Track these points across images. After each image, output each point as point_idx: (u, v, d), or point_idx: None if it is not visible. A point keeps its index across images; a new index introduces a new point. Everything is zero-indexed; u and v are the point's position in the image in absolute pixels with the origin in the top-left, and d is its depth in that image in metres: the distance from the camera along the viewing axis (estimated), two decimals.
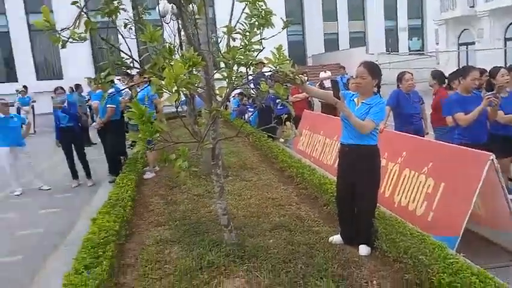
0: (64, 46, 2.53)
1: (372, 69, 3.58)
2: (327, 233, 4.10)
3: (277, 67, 3.00)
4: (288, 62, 3.02)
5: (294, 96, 9.53)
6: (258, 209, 4.96)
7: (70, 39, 2.50)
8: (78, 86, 13.86)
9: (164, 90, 2.78)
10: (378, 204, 3.93)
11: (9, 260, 4.76)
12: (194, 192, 5.80)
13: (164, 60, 2.57)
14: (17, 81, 20.80)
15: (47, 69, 22.91)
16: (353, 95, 3.74)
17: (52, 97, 8.18)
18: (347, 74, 13.36)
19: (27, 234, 5.57)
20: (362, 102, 3.61)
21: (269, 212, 4.84)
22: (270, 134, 6.06)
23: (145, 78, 5.88)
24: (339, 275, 3.30)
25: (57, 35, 2.46)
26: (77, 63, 20.29)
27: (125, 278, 3.56)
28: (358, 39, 32.12)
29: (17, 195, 7.45)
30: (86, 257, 3.50)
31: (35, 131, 14.51)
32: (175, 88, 2.33)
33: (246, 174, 6.57)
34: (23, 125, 7.76)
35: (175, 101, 2.32)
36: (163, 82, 2.42)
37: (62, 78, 20.76)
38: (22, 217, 6.35)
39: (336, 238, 3.92)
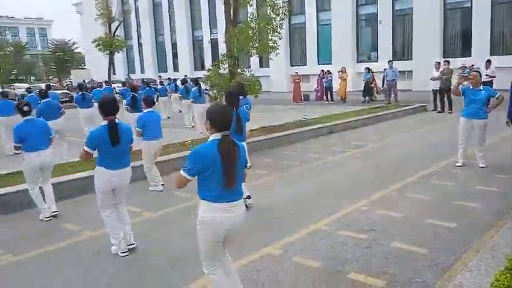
0: None
1: None
2: None
3: None
4: None
5: None
6: None
7: None
8: None
9: None
10: None
11: (444, 225, 5.16)
12: None
13: None
14: (470, 56, 21.01)
15: (503, 43, 21.76)
16: None
17: None
18: None
19: (463, 205, 5.84)
20: None
21: None
22: None
23: None
24: None
25: None
26: None
27: None
28: None
29: (458, 166, 7.71)
30: None
31: None
32: None
33: None
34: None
35: None
36: None
37: None
38: (460, 188, 6.68)
39: None
